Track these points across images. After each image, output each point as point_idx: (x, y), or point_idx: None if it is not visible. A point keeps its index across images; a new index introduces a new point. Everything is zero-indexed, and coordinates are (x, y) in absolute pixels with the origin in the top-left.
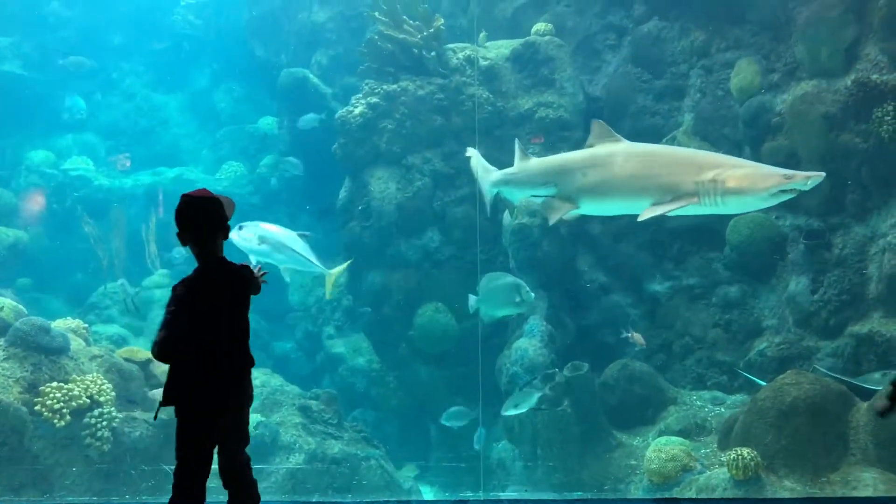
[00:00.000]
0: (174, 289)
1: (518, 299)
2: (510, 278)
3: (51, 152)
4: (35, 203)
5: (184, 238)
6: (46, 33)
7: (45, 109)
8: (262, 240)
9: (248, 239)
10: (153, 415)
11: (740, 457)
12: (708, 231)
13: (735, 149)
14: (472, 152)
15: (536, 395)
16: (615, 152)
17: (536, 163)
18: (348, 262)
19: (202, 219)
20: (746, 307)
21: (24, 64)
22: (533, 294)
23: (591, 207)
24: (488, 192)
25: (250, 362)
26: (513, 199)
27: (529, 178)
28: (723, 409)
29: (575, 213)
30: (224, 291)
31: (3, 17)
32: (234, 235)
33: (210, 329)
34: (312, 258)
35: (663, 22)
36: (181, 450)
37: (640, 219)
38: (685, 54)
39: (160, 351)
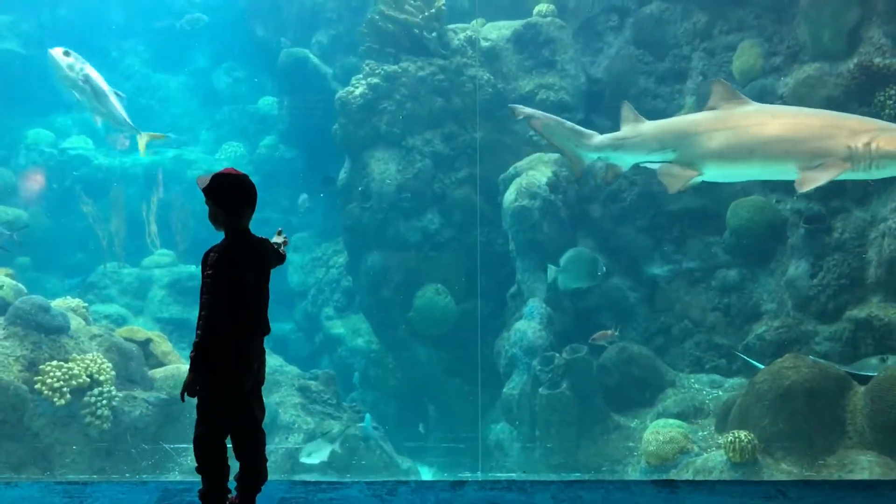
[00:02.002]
0: (206, 256)
1: (598, 273)
2: (590, 253)
3: (50, 131)
4: (34, 182)
5: (217, 213)
6: (45, 11)
7: (44, 88)
8: (87, 80)
9: (73, 68)
10: (156, 393)
11: (737, 439)
12: (708, 215)
13: None
14: (532, 113)
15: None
16: (749, 113)
17: (653, 126)
18: (164, 135)
19: (236, 193)
20: (745, 291)
21: (23, 42)
22: (605, 268)
23: (718, 173)
24: (585, 157)
25: (266, 330)
26: (623, 166)
27: (645, 142)
28: (720, 392)
29: (698, 180)
30: (251, 262)
31: None
32: (58, 55)
33: (238, 299)
34: (126, 117)
35: (666, 3)
36: (204, 421)
37: (802, 189)
38: (687, 36)
39: (212, 325)
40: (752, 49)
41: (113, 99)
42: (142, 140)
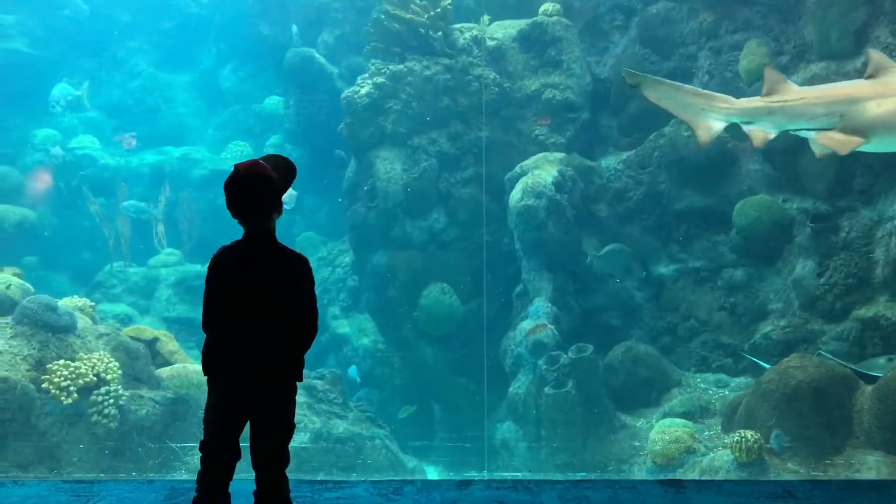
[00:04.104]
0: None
1: (634, 273)
2: (632, 253)
3: (56, 131)
4: (41, 181)
5: (230, 210)
6: (52, 11)
7: (50, 87)
8: None
9: None
10: (163, 392)
11: (744, 439)
12: (714, 214)
13: (743, 131)
14: (644, 77)
15: None
16: None
17: (817, 91)
18: None
19: (243, 193)
20: (752, 290)
21: (30, 42)
22: (644, 273)
23: (884, 142)
24: (715, 122)
25: (292, 360)
26: (771, 131)
27: (809, 107)
28: (727, 392)
29: (863, 147)
30: (261, 271)
31: None
32: None
33: (237, 304)
34: None
35: (672, 3)
36: (205, 418)
37: None
38: (693, 35)
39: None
40: (759, 48)
41: None
42: None
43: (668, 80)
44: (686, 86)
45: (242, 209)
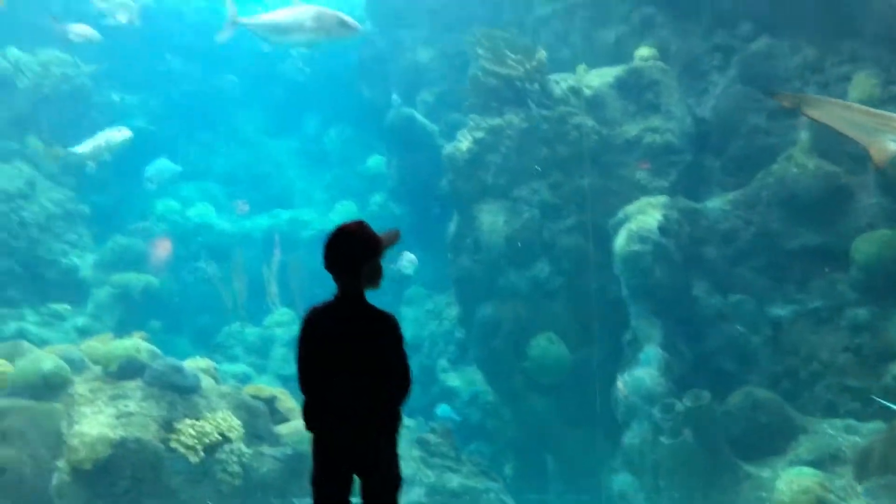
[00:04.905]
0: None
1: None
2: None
3: (175, 200)
4: (162, 249)
5: (326, 265)
6: (171, 88)
7: (169, 160)
8: None
9: None
10: (282, 448)
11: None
12: (831, 252)
13: (857, 164)
14: (803, 98)
15: None
16: None
17: None
18: None
19: (333, 251)
20: (878, 330)
21: (151, 119)
22: None
23: None
24: (892, 142)
25: (383, 413)
26: None
27: None
28: (858, 438)
29: None
30: (351, 329)
31: (132, 76)
32: None
33: (329, 363)
34: None
35: (772, 39)
36: (311, 481)
37: None
38: (798, 70)
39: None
40: (868, 80)
41: None
42: None
43: (834, 99)
44: (856, 104)
45: (334, 266)
